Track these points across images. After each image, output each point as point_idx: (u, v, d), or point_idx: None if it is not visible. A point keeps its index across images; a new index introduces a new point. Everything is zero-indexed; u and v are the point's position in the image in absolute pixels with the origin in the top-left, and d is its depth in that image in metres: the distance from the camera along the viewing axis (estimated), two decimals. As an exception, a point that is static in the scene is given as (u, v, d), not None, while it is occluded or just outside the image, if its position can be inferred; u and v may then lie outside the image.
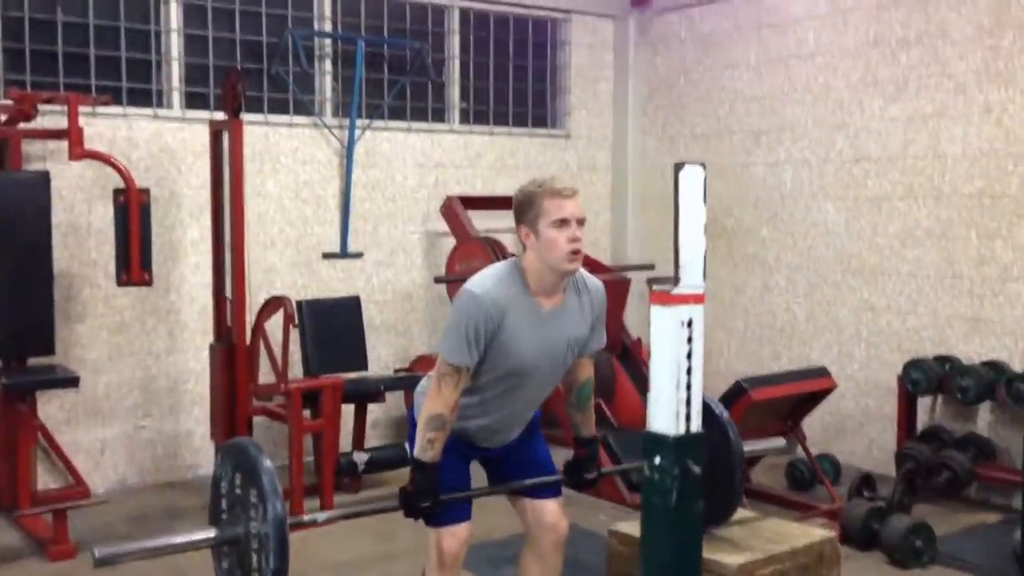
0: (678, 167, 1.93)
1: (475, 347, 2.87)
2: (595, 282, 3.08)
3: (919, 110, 5.87)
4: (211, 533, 2.72)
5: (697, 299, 1.95)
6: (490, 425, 3.10)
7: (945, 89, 5.75)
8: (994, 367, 5.33)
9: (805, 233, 6.51)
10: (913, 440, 5.53)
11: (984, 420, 5.59)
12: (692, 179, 1.94)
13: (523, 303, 2.91)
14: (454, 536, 3.06)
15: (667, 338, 1.97)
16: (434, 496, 2.92)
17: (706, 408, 2.86)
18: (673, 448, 1.99)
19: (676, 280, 1.93)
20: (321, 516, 3.04)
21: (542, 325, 2.93)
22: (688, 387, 1.99)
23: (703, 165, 1.97)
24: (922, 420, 5.77)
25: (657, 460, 2.01)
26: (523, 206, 2.93)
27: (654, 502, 2.04)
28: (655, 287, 1.95)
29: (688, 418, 1.99)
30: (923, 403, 5.77)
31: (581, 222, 2.89)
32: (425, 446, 2.91)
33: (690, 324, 1.96)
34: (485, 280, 2.93)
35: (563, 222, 2.84)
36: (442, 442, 2.92)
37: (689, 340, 1.95)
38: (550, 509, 3.20)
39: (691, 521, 2.06)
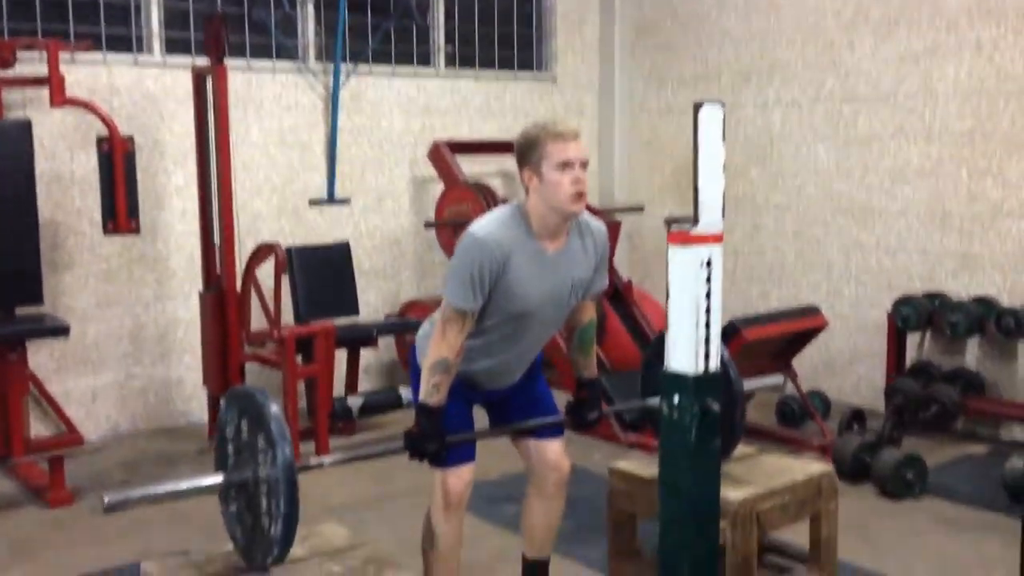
0: (697, 106, 1.90)
1: (479, 290, 2.84)
2: (598, 224, 3.07)
3: (910, 48, 5.84)
4: (219, 478, 2.71)
5: (716, 239, 1.93)
6: (494, 367, 3.09)
7: (936, 27, 5.71)
8: (983, 302, 5.38)
9: (795, 173, 6.50)
10: (902, 375, 5.59)
11: (972, 354, 5.65)
12: (712, 118, 1.92)
13: (527, 246, 2.89)
14: (459, 477, 3.06)
15: (686, 278, 1.96)
16: (439, 439, 2.91)
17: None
18: (692, 387, 1.99)
19: (695, 220, 1.91)
20: (327, 459, 3.04)
21: (546, 267, 2.92)
22: (707, 326, 1.98)
23: (722, 104, 1.94)
24: (911, 356, 5.82)
25: (676, 399, 2.00)
26: (526, 149, 2.90)
27: (673, 441, 2.04)
28: (674, 227, 1.93)
29: (707, 357, 1.98)
30: (912, 339, 5.82)
31: (584, 164, 2.87)
32: (431, 390, 2.90)
33: (709, 264, 1.95)
34: (488, 223, 2.91)
35: (566, 164, 2.82)
36: (447, 386, 2.91)
37: (708, 280, 1.94)
38: (553, 449, 3.21)
39: (710, 459, 2.07)
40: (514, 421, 3.21)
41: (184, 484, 2.76)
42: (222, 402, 2.80)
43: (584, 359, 3.25)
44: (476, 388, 3.15)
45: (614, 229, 6.53)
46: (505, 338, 3.01)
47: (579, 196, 2.84)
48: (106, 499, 2.49)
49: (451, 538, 3.15)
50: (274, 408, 2.60)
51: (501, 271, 2.84)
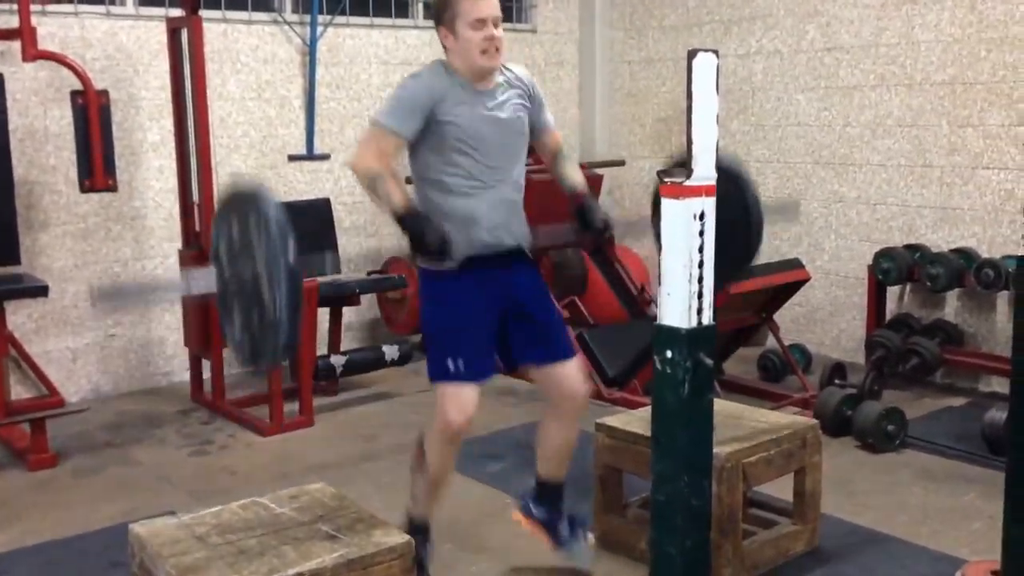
0: (692, 54, 1.87)
1: (410, 116, 2.93)
2: (524, 71, 3.19)
3: (892, -3, 5.80)
4: (211, 271, 2.66)
5: (709, 191, 1.92)
6: (482, 210, 3.04)
7: (918, -25, 5.67)
8: (963, 254, 5.40)
9: (776, 125, 6.48)
10: (882, 328, 5.63)
11: (951, 307, 5.69)
12: (705, 67, 1.89)
13: (457, 85, 3.00)
14: (461, 408, 3.01)
15: (678, 231, 1.94)
16: (434, 230, 2.86)
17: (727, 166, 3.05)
18: (686, 341, 1.98)
19: (688, 172, 1.89)
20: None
21: (482, 97, 3.01)
22: (700, 280, 1.98)
23: (716, 52, 1.91)
24: (890, 309, 5.86)
25: (669, 354, 2.00)
26: (441, 8, 3.01)
27: (666, 396, 2.04)
28: (667, 179, 1.91)
29: (700, 311, 1.98)
30: (891, 292, 5.86)
31: (497, 21, 2.98)
32: (388, 198, 2.88)
33: (702, 217, 1.93)
34: (419, 72, 3.05)
35: (480, 22, 2.94)
36: (399, 187, 2.90)
37: (701, 233, 1.93)
38: (568, 375, 3.19)
39: (703, 414, 2.08)
40: (524, 346, 3.19)
41: (180, 280, 2.73)
42: (218, 202, 2.72)
43: (568, 170, 3.29)
44: (484, 259, 3.06)
45: (596, 182, 6.51)
46: (471, 171, 3.01)
47: (492, 52, 2.96)
48: (96, 291, 2.44)
49: (444, 467, 3.16)
50: (276, 204, 2.55)
51: (435, 104, 2.92)
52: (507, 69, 3.13)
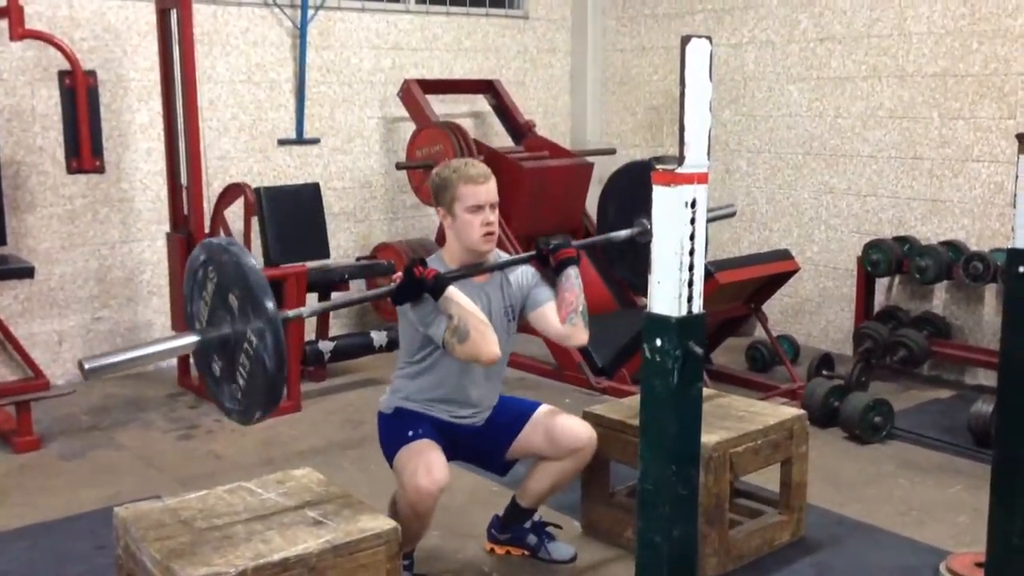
0: (685, 40, 1.86)
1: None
2: (521, 268, 3.23)
3: (885, -12, 5.80)
4: (194, 337, 2.61)
5: (701, 179, 1.90)
6: (458, 400, 3.17)
7: (912, -34, 5.67)
8: (952, 247, 5.42)
9: (767, 116, 6.47)
10: (870, 320, 5.64)
11: (939, 299, 5.71)
12: (699, 54, 1.88)
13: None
14: (428, 472, 2.93)
15: (670, 219, 1.93)
16: (437, 277, 2.91)
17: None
18: (676, 330, 1.98)
19: (680, 159, 1.88)
20: (306, 310, 2.97)
21: (473, 291, 3.06)
22: (691, 268, 1.97)
23: (709, 39, 1.90)
24: (879, 301, 5.88)
25: (658, 342, 1.99)
26: (440, 191, 3.09)
27: (655, 384, 2.04)
28: (659, 167, 1.90)
29: (690, 299, 1.97)
30: (880, 284, 5.87)
31: (494, 206, 3.07)
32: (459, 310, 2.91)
33: (694, 205, 1.92)
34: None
35: (477, 208, 3.03)
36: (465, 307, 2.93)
37: (692, 221, 1.92)
38: (567, 424, 3.23)
39: (691, 403, 2.07)
40: (489, 445, 3.27)
41: (163, 345, 2.70)
42: (190, 261, 2.69)
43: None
44: (445, 424, 3.18)
45: (586, 171, 6.50)
46: (457, 365, 3.08)
47: (489, 235, 3.06)
48: (86, 365, 2.40)
49: (418, 534, 3.12)
50: (251, 261, 2.53)
51: (434, 308, 2.94)
52: (505, 273, 3.19)
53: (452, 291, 2.92)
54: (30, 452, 4.51)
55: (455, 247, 3.12)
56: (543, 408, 3.31)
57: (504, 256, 3.24)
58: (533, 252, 3.22)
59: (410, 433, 3.09)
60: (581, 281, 3.18)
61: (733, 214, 3.62)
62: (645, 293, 3.53)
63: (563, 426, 3.23)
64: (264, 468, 4.22)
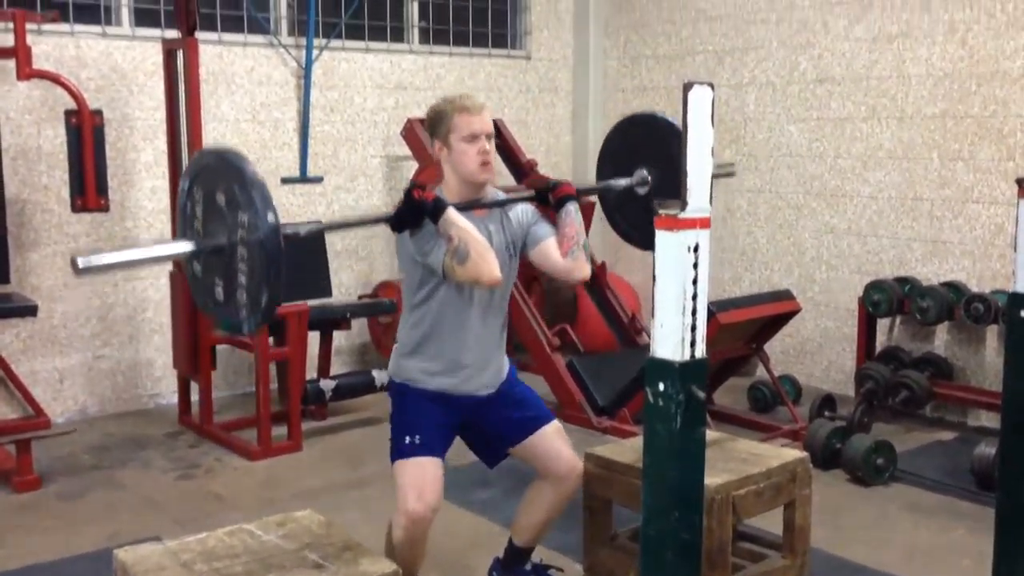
0: (687, 87, 1.88)
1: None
2: (520, 206, 3.19)
3: (884, 30, 5.85)
4: (189, 246, 2.54)
5: (704, 223, 1.92)
6: (455, 353, 3.09)
7: (910, 8, 5.72)
8: (953, 287, 5.42)
9: (768, 156, 6.51)
10: (872, 360, 5.63)
11: (941, 340, 5.71)
12: (701, 100, 1.90)
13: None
14: (420, 496, 2.97)
15: (672, 263, 1.94)
16: (437, 200, 2.88)
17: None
18: (678, 374, 1.98)
19: (683, 204, 1.89)
20: (303, 228, 2.89)
21: (474, 225, 2.97)
22: (693, 313, 1.97)
23: (711, 85, 1.92)
24: (880, 341, 5.87)
25: (661, 387, 1.99)
26: (435, 123, 3.07)
27: (657, 429, 2.03)
28: (661, 211, 1.91)
29: (693, 344, 1.98)
30: (882, 325, 5.87)
31: (490, 136, 3.04)
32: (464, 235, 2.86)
33: (696, 249, 1.93)
34: None
35: (473, 137, 3.00)
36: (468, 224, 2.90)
37: (695, 266, 1.93)
38: (562, 453, 3.23)
39: (695, 447, 2.07)
40: (498, 431, 3.23)
41: (157, 250, 2.68)
42: (183, 173, 2.63)
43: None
44: (450, 396, 3.13)
45: (588, 209, 6.50)
46: (454, 310, 3.04)
47: (485, 164, 3.02)
48: (80, 263, 2.35)
49: (413, 563, 3.09)
50: (254, 170, 2.47)
51: (438, 242, 2.91)
52: (505, 209, 3.16)
53: (452, 212, 2.87)
54: (30, 492, 4.49)
55: (452, 181, 3.07)
56: (553, 425, 3.28)
57: (502, 195, 3.20)
58: (532, 192, 3.20)
59: (407, 440, 3.04)
60: (581, 216, 3.15)
61: (733, 174, 3.64)
62: (639, 245, 3.57)
63: (555, 452, 3.22)
64: (264, 508, 4.19)
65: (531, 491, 3.35)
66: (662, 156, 3.32)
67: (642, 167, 3.39)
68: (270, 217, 2.37)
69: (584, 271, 3.13)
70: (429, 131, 3.11)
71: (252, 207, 2.39)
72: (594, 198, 5.72)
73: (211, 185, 2.52)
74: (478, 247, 2.84)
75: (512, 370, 3.31)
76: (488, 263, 2.84)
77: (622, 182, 3.40)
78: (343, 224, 3.23)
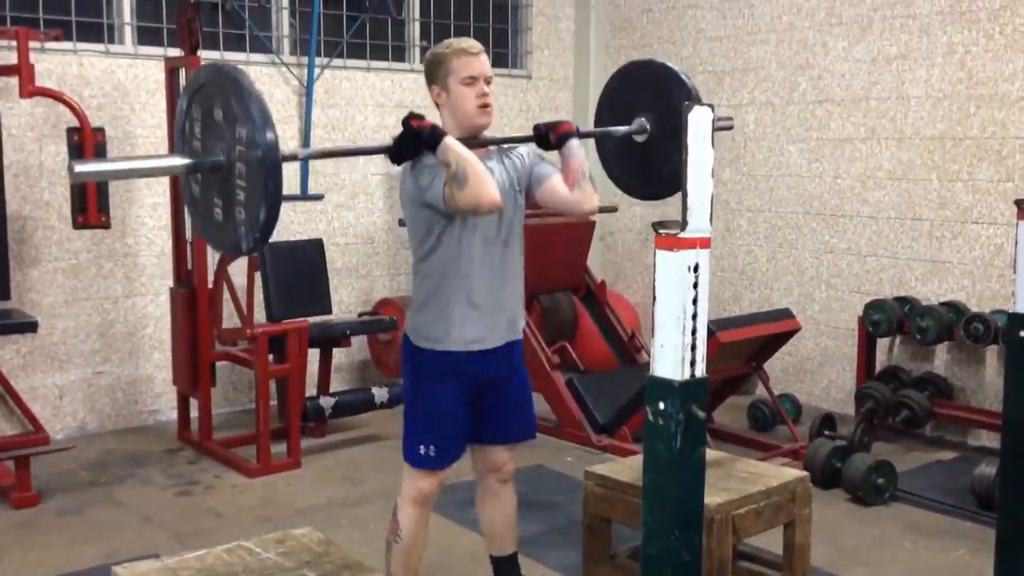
0: (687, 108, 1.89)
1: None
2: (520, 147, 3.16)
3: (883, 51, 5.88)
4: (187, 160, 2.48)
5: (704, 243, 1.93)
6: (467, 293, 3.04)
7: (909, 30, 5.75)
8: (952, 307, 5.43)
9: (767, 175, 6.53)
10: (872, 380, 5.63)
11: (941, 360, 5.71)
12: (701, 120, 1.91)
13: None
14: (434, 478, 3.11)
15: (673, 283, 1.95)
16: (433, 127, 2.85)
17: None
18: (678, 393, 1.99)
19: (683, 224, 1.91)
20: (302, 152, 2.83)
21: None
22: (693, 332, 1.98)
23: (712, 106, 1.94)
24: (880, 361, 5.87)
25: (661, 406, 2.00)
26: (433, 66, 3.03)
27: (658, 448, 2.04)
28: (661, 231, 1.92)
29: (693, 363, 1.99)
30: (881, 344, 5.87)
31: (488, 80, 3.01)
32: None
33: (696, 269, 1.94)
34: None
35: (472, 79, 2.97)
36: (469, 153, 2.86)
37: (695, 285, 1.94)
38: (498, 453, 3.30)
39: (695, 467, 2.07)
40: (487, 421, 3.23)
41: (152, 163, 2.66)
42: (182, 92, 2.56)
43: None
44: (466, 356, 3.07)
45: (588, 229, 6.53)
46: (464, 253, 3.01)
47: (484, 107, 2.98)
48: (76, 167, 2.29)
49: (417, 533, 3.17)
50: (254, 86, 2.40)
51: (432, 178, 2.88)
52: (503, 148, 3.14)
53: (450, 139, 2.83)
54: (28, 508, 4.48)
55: (451, 125, 3.00)
56: (506, 453, 3.31)
57: (514, 146, 3.18)
58: (532, 135, 3.16)
59: (422, 451, 3.07)
60: (584, 151, 3.13)
61: (731, 127, 3.60)
62: (635, 194, 3.55)
63: (504, 463, 3.31)
64: (263, 526, 4.19)
65: (482, 506, 3.40)
66: (661, 103, 3.27)
67: (641, 115, 3.34)
68: (268, 131, 2.30)
69: (592, 201, 3.08)
70: (427, 77, 3.06)
71: (250, 120, 2.32)
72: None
73: (209, 102, 2.45)
74: (476, 170, 2.79)
75: (520, 348, 3.27)
76: (487, 185, 2.79)
77: (621, 129, 3.35)
78: (343, 152, 3.17)
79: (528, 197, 3.17)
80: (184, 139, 2.55)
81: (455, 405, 3.10)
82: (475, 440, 3.26)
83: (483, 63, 3.01)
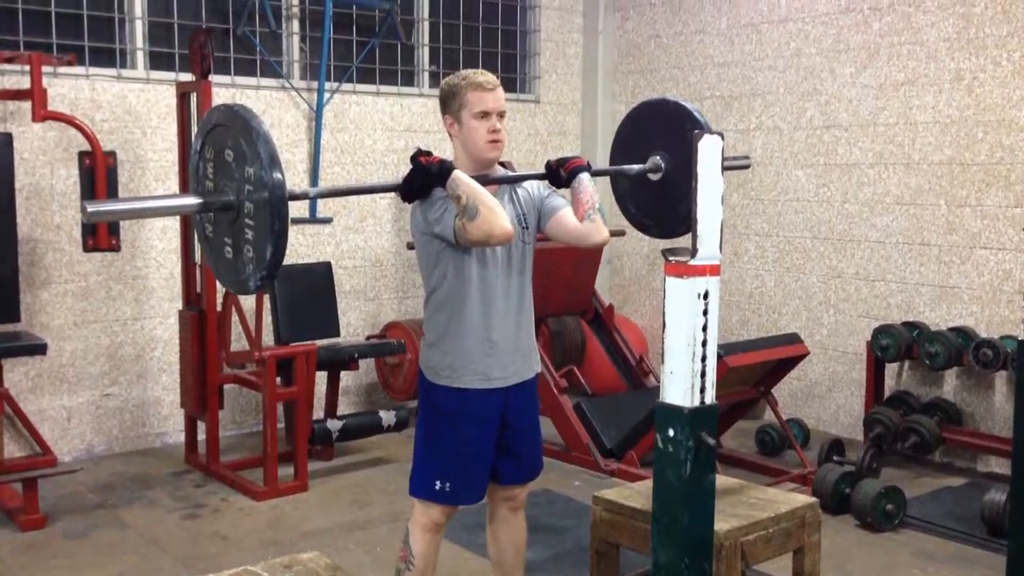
0: (697, 136, 1.90)
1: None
2: (530, 182, 3.17)
3: (890, 77, 5.90)
4: (198, 199, 2.52)
5: (713, 271, 1.94)
6: (483, 330, 3.04)
7: (916, 56, 5.78)
8: (961, 333, 5.41)
9: (775, 200, 6.54)
10: (881, 405, 5.61)
11: (950, 385, 5.69)
12: (711, 148, 1.92)
13: None
14: (444, 510, 3.11)
15: (682, 310, 1.96)
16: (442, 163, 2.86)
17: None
18: (688, 420, 1.99)
19: (693, 251, 1.91)
20: (312, 190, 2.87)
21: None
22: (703, 359, 1.99)
23: (721, 135, 1.95)
24: (889, 386, 5.86)
25: (671, 432, 2.00)
26: (448, 97, 3.06)
27: (667, 474, 2.04)
28: (671, 258, 1.93)
29: (703, 390, 1.99)
30: (890, 369, 5.85)
31: (502, 114, 3.03)
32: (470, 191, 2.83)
33: (706, 296, 1.95)
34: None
35: (484, 114, 3.00)
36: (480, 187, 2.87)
37: (705, 312, 1.94)
38: (519, 498, 3.30)
39: (705, 493, 2.07)
40: (510, 461, 3.23)
41: (165, 202, 2.69)
42: (195, 133, 2.60)
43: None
44: (486, 390, 3.07)
45: (596, 252, 6.53)
46: (474, 281, 3.02)
47: (495, 142, 3.01)
48: (89, 208, 2.32)
49: (429, 560, 3.16)
50: (265, 128, 2.45)
51: (442, 213, 2.90)
52: (515, 186, 3.14)
53: (459, 173, 2.84)
54: (35, 531, 4.47)
55: (462, 158, 3.04)
56: (522, 493, 3.31)
57: (524, 183, 3.18)
58: (543, 170, 3.16)
59: (438, 486, 3.06)
60: (594, 185, 3.12)
61: (748, 166, 3.59)
62: (652, 232, 3.54)
63: (518, 498, 3.30)
64: (270, 549, 4.18)
65: (494, 537, 3.36)
66: (675, 140, 3.26)
67: (655, 154, 3.34)
68: (275, 171, 2.34)
69: (603, 233, 3.08)
70: (442, 106, 3.09)
71: (258, 160, 2.36)
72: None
73: (221, 142, 2.50)
74: (486, 202, 2.81)
75: (535, 386, 3.27)
76: (498, 216, 2.80)
77: (635, 168, 3.35)
78: (352, 190, 3.17)
79: (538, 230, 3.18)
80: (198, 179, 2.60)
81: (476, 445, 3.09)
82: (491, 478, 3.25)
83: (497, 98, 3.03)
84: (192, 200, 2.52)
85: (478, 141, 3.00)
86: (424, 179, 2.86)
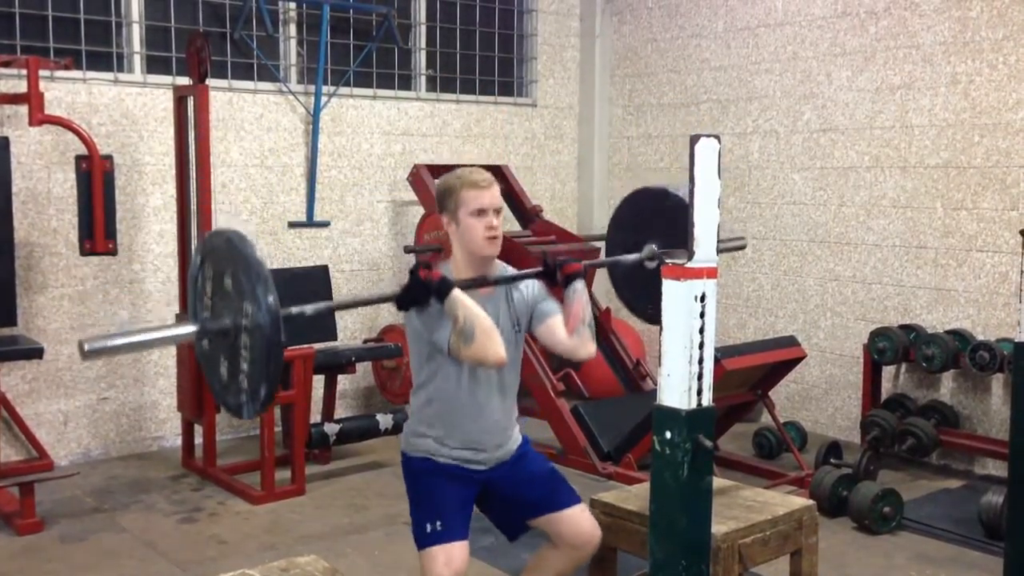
0: (694, 140, 1.91)
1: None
2: (527, 283, 3.19)
3: (886, 81, 5.91)
4: (194, 328, 2.53)
5: (711, 273, 1.94)
6: (474, 435, 3.09)
7: (913, 60, 5.79)
8: (958, 335, 5.42)
9: (772, 203, 6.55)
10: (878, 408, 5.62)
11: (947, 388, 5.70)
12: (708, 151, 1.93)
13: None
14: (448, 563, 2.98)
15: (679, 313, 1.96)
16: (443, 280, 2.84)
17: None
18: (686, 423, 1.99)
19: (690, 254, 1.92)
20: (309, 308, 2.87)
21: (479, 304, 2.95)
22: (700, 362, 1.99)
23: (718, 138, 1.95)
24: (886, 388, 5.86)
25: (668, 435, 2.00)
26: (444, 197, 3.09)
27: (665, 477, 2.04)
28: (668, 261, 1.94)
29: (700, 392, 1.99)
30: (887, 372, 5.86)
31: (498, 211, 3.06)
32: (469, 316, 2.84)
33: (703, 299, 1.95)
34: None
35: (481, 211, 3.02)
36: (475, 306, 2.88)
37: (702, 315, 1.95)
38: (584, 517, 3.21)
39: (702, 495, 2.07)
40: (516, 498, 3.21)
41: (163, 332, 2.68)
42: (195, 249, 2.61)
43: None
44: (463, 468, 3.11)
45: (593, 256, 6.54)
46: (465, 385, 3.05)
47: (492, 239, 3.03)
48: (86, 346, 2.30)
49: None
50: (258, 254, 2.45)
51: (439, 313, 2.89)
52: (514, 285, 3.16)
53: (457, 292, 2.85)
54: (32, 534, 4.47)
55: (460, 255, 3.08)
56: (578, 508, 3.23)
57: (511, 270, 3.20)
58: (540, 268, 3.17)
59: (429, 529, 3.02)
60: (588, 295, 3.15)
61: (743, 247, 3.62)
62: (643, 317, 3.56)
63: (575, 527, 3.20)
64: (267, 553, 4.18)
65: (541, 555, 3.30)
66: (671, 231, 3.25)
67: (652, 242, 3.36)
68: (271, 316, 2.34)
69: (589, 349, 3.13)
70: (438, 204, 3.13)
71: (255, 300, 2.38)
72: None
73: (220, 266, 2.52)
74: (484, 327, 2.84)
75: (526, 440, 3.30)
76: (494, 343, 2.84)
77: (631, 258, 3.39)
78: (350, 303, 3.21)
79: (528, 332, 3.21)
80: (196, 293, 2.62)
81: (454, 487, 3.09)
82: (532, 519, 3.22)
83: (493, 195, 3.06)
84: (190, 328, 2.54)
85: (476, 238, 3.03)
86: (423, 293, 2.85)
